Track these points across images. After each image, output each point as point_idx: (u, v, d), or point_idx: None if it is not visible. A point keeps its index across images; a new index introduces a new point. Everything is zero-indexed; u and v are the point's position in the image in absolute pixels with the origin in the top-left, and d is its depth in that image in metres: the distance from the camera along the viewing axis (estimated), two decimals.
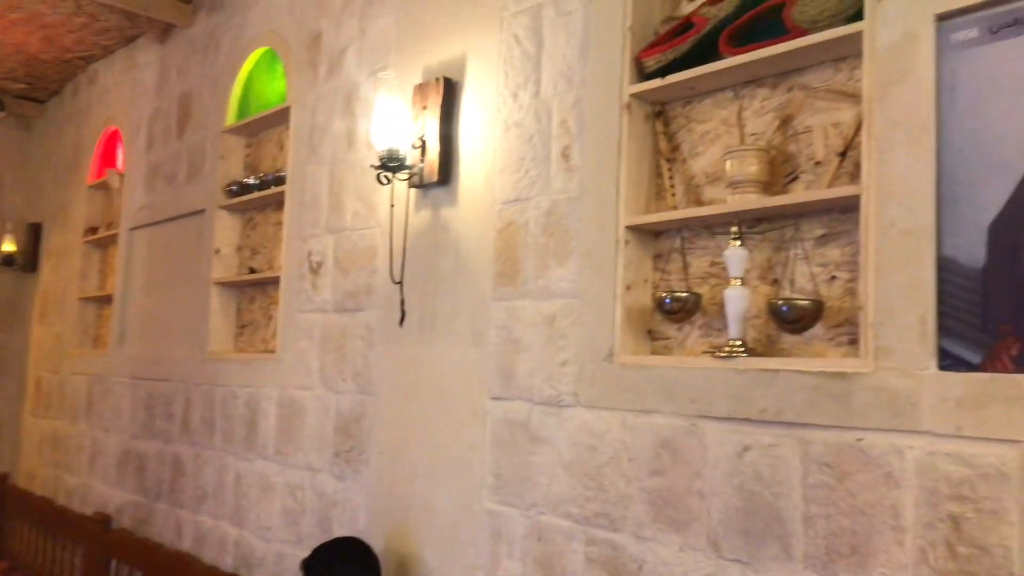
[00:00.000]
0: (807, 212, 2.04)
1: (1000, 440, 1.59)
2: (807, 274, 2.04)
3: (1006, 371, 1.61)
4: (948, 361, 1.69)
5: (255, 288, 4.03)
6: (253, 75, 4.16)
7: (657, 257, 2.39)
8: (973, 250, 1.68)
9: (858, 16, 1.90)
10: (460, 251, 2.81)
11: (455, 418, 2.74)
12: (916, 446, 1.70)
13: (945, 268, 1.71)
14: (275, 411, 3.54)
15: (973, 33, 1.72)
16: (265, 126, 4.02)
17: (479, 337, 2.70)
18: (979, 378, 1.63)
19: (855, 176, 1.92)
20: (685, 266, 2.32)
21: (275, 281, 3.70)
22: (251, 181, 3.92)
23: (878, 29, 1.83)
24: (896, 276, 1.76)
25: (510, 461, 2.55)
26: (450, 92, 2.88)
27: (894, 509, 1.72)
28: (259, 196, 3.87)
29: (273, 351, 3.67)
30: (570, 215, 2.47)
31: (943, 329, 1.70)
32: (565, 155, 2.51)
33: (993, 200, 1.67)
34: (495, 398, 2.62)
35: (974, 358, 1.66)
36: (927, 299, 1.71)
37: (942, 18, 1.75)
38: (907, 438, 1.72)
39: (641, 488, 2.19)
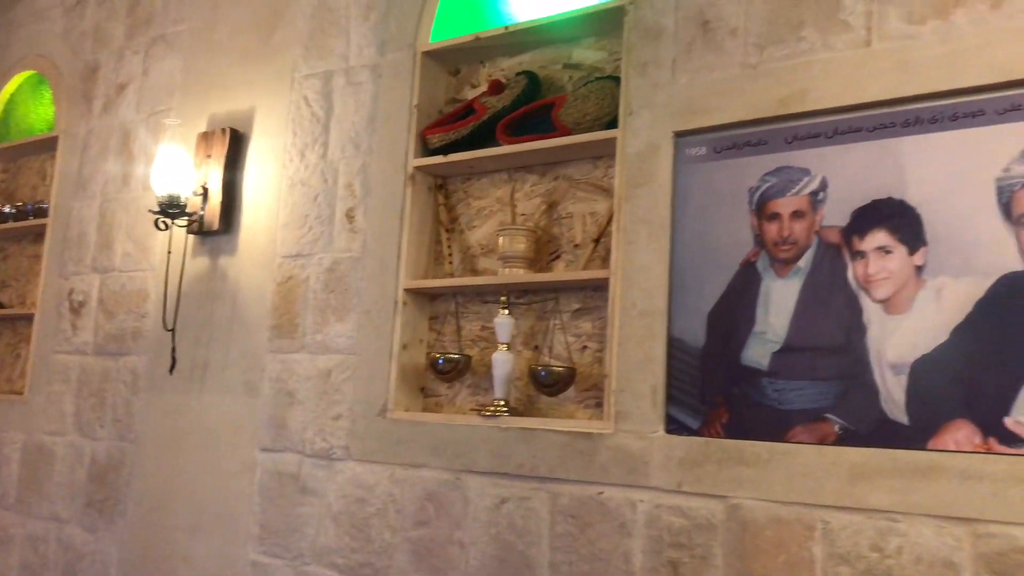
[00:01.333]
0: (566, 288, 2.30)
1: (711, 495, 1.89)
2: (564, 343, 2.29)
3: (718, 436, 1.92)
4: (674, 426, 1.97)
5: (1, 323, 3.75)
6: (15, 98, 3.92)
7: (433, 319, 2.56)
8: (696, 332, 1.99)
9: (615, 123, 2.19)
10: (238, 301, 2.83)
11: (223, 469, 2.73)
12: (646, 499, 1.97)
13: (674, 346, 2.01)
14: (19, 457, 3.31)
15: (702, 151, 2.05)
16: (26, 153, 3.80)
17: (252, 388, 2.72)
18: (697, 441, 1.93)
19: (606, 261, 2.19)
20: (459, 329, 2.50)
21: (28, 318, 3.48)
22: (6, 210, 3.67)
23: (628, 138, 2.13)
24: (635, 350, 2.03)
25: (278, 512, 2.58)
26: (236, 143, 2.92)
27: (626, 556, 1.97)
28: (14, 226, 3.64)
29: (20, 392, 3.43)
30: (351, 274, 2.58)
31: (671, 398, 1.99)
32: (349, 216, 2.63)
33: (712, 291, 1.99)
34: (265, 449, 2.65)
35: (694, 424, 1.96)
36: (659, 372, 2.00)
37: (679, 135, 2.07)
38: (639, 492, 1.98)
39: (406, 538, 2.32)
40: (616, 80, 2.23)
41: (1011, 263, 1.67)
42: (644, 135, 2.11)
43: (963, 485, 1.63)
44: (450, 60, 2.64)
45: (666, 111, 2.09)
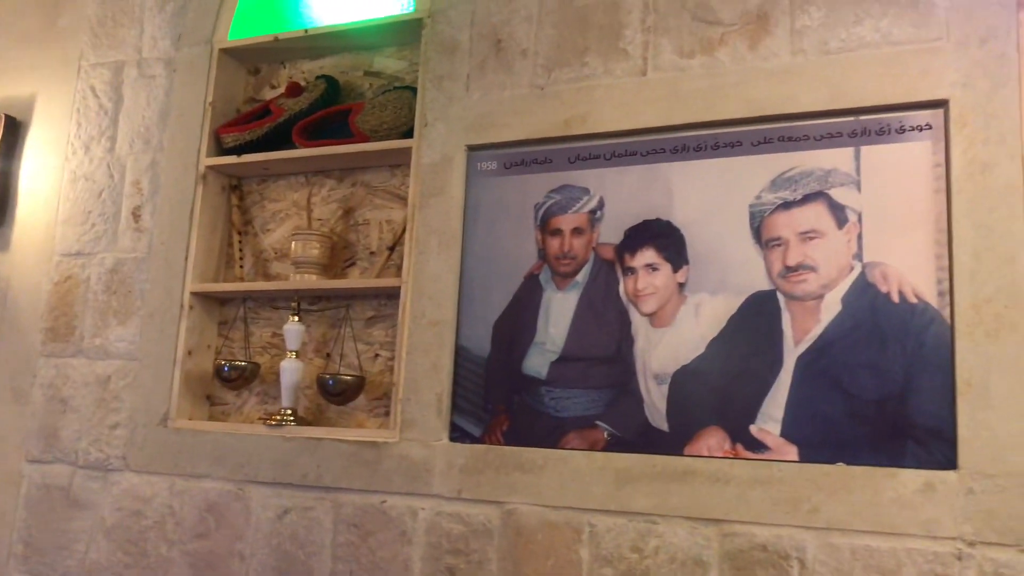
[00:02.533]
0: (359, 296, 2.29)
1: (489, 501, 1.93)
2: (356, 351, 2.28)
3: (498, 443, 1.97)
4: (457, 434, 2.01)
5: None
6: None
7: (222, 324, 2.48)
8: (482, 341, 2.04)
9: (412, 133, 2.21)
10: (8, 300, 2.62)
11: None
12: (427, 507, 1.99)
13: (461, 355, 2.05)
14: None
15: (493, 165, 2.11)
16: None
17: (20, 395, 2.53)
18: (478, 449, 1.97)
19: (401, 269, 2.20)
20: (248, 335, 2.43)
21: None
22: None
23: (423, 148, 2.16)
24: (423, 359, 2.06)
25: (45, 528, 2.41)
26: (13, 130, 2.72)
27: (405, 563, 1.98)
28: None
29: None
30: (136, 275, 2.46)
31: (456, 407, 2.03)
32: (136, 215, 2.50)
33: (499, 302, 2.04)
34: (33, 461, 2.47)
35: (477, 431, 2.00)
36: (445, 381, 2.03)
37: (472, 149, 2.12)
38: (421, 500, 2.00)
39: (184, 551, 2.23)
40: (414, 91, 2.25)
41: (759, 283, 1.82)
42: (438, 147, 2.14)
43: (713, 488, 1.76)
44: (249, 59, 2.57)
45: (460, 124, 2.13)
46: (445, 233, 2.10)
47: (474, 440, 2.00)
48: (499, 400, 2.00)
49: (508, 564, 1.89)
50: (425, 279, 2.10)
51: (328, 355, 2.33)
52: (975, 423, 1.60)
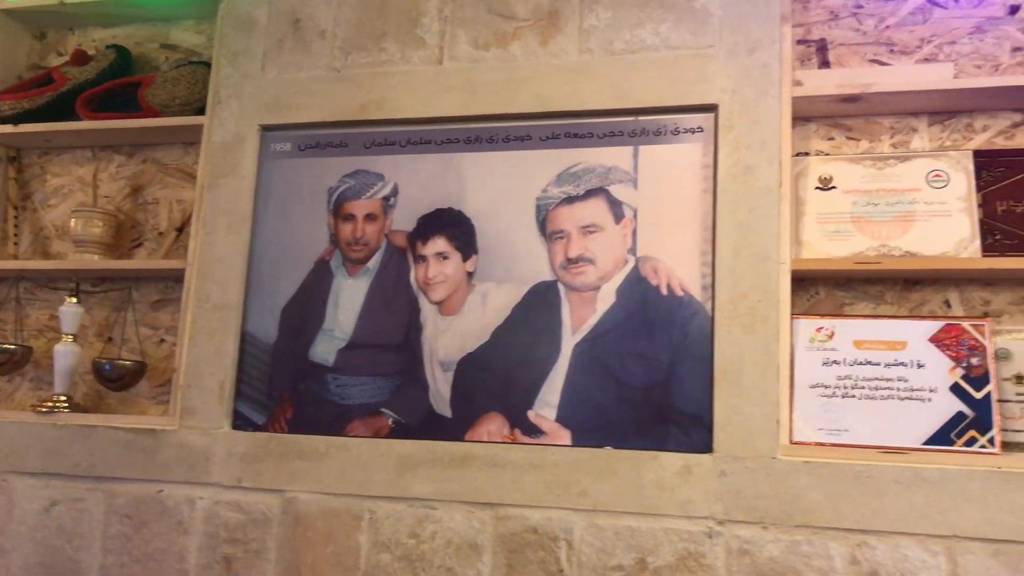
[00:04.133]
0: (145, 278, 2.19)
1: (269, 490, 1.89)
2: (140, 335, 2.17)
3: (282, 431, 1.93)
4: (240, 421, 1.95)
5: None
6: None
7: None
8: (269, 327, 1.99)
9: (206, 109, 2.13)
10: None
11: None
12: (206, 496, 1.92)
13: (247, 341, 1.99)
14: None
15: (287, 147, 2.06)
16: None
17: None
18: (260, 437, 1.92)
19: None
20: (22, 317, 2.27)
21: None
22: None
23: (215, 126, 2.08)
24: (206, 345, 1.98)
25: None
26: None
27: (181, 554, 1.91)
28: None
29: None
30: None
31: (240, 394, 1.97)
32: None
33: (288, 287, 2.00)
34: None
35: (260, 419, 1.95)
36: (228, 367, 1.97)
37: (265, 129, 2.06)
38: (199, 489, 1.93)
39: None
40: (209, 66, 2.16)
41: (543, 273, 1.86)
42: (231, 125, 2.08)
43: (490, 472, 1.79)
44: (34, 22, 2.40)
45: (254, 103, 2.07)
46: (234, 215, 2.04)
47: (257, 428, 1.95)
48: (284, 387, 1.96)
49: (286, 552, 1.86)
50: (211, 262, 2.02)
51: (110, 339, 2.21)
52: (729, 409, 1.70)
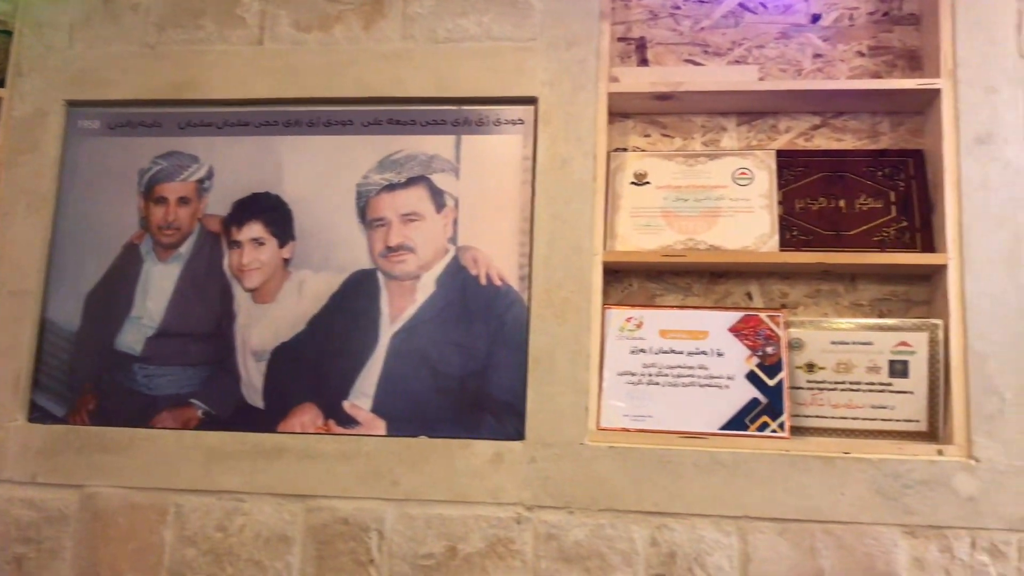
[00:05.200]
0: None
1: (67, 485, 1.79)
2: None
3: (83, 423, 1.83)
4: (37, 414, 1.84)
5: None
6: None
7: None
8: (71, 315, 1.88)
9: (5, 82, 1.99)
10: None
11: None
12: None
13: (47, 330, 1.88)
14: None
15: (96, 124, 1.95)
16: None
17: None
18: (59, 430, 1.82)
19: None
20: None
21: None
22: None
23: (16, 100, 1.95)
24: (1, 333, 1.86)
25: None
26: None
27: None
28: None
29: None
30: None
31: (37, 384, 1.85)
32: None
33: (93, 272, 1.90)
34: None
35: (60, 412, 1.85)
36: (25, 357, 1.85)
37: (72, 104, 1.95)
38: None
39: None
40: (11, 35, 2.02)
41: (362, 261, 1.84)
42: (32, 99, 1.95)
43: (302, 464, 1.75)
44: None
45: (59, 78, 1.95)
46: (35, 195, 1.92)
47: (56, 420, 1.84)
48: (87, 378, 1.86)
49: (84, 551, 1.77)
50: (8, 245, 1.90)
51: None
52: (541, 397, 1.73)
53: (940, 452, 1.64)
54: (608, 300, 1.88)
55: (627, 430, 1.73)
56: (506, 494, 1.71)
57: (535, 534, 1.69)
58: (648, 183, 1.89)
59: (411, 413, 1.77)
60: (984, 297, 1.66)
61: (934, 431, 1.70)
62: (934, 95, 1.77)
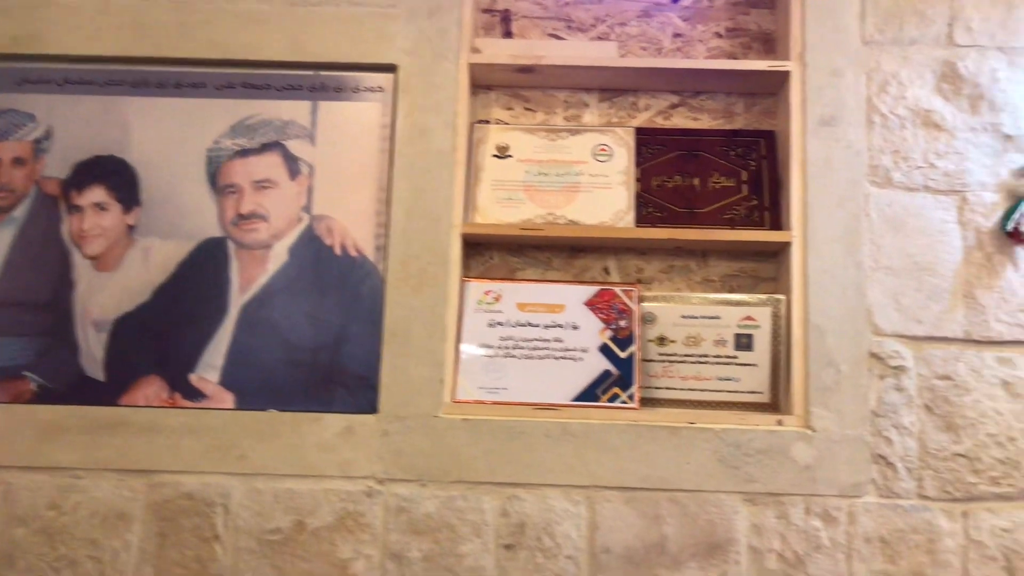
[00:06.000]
0: None
1: None
2: None
3: None
4: None
5: None
6: None
7: None
8: None
9: None
10: None
11: None
12: None
13: None
14: None
15: None
16: None
17: None
18: None
19: None
20: None
21: None
22: None
23: None
24: None
25: None
26: None
27: None
28: None
29: None
30: None
31: None
32: None
33: None
34: None
35: None
36: None
37: None
38: None
39: None
40: None
41: (211, 229, 1.77)
42: None
43: (145, 439, 1.68)
44: None
45: None
46: None
47: None
48: None
49: None
50: None
51: None
52: (395, 369, 1.71)
53: (780, 422, 1.70)
54: (469, 273, 1.87)
55: (482, 402, 1.73)
56: (357, 468, 1.68)
57: (385, 507, 1.67)
58: (510, 156, 1.88)
59: (261, 386, 1.72)
60: (824, 274, 1.73)
61: (776, 402, 1.76)
62: (784, 77, 1.83)
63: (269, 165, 1.80)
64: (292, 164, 1.80)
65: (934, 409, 1.70)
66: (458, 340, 1.77)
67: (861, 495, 1.67)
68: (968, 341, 1.72)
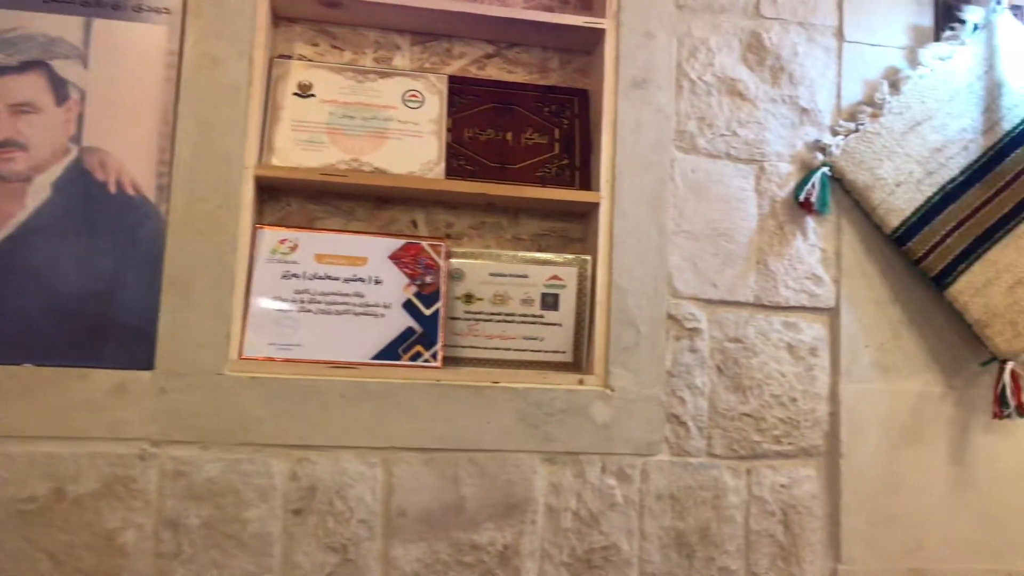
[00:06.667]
0: None
1: None
2: None
3: None
4: None
5: None
6: None
7: None
8: None
9: None
10: None
11: None
12: None
13: None
14: None
15: None
16: None
17: None
18: None
19: None
20: None
21: None
22: None
23: None
24: None
25: None
26: None
27: None
28: None
29: None
30: None
31: None
32: None
33: None
34: None
35: None
36: None
37: None
38: None
39: None
40: None
41: None
42: None
43: None
44: None
45: None
46: None
47: None
48: None
49: None
50: None
51: None
52: (175, 322, 1.56)
53: (581, 382, 1.70)
54: (263, 220, 1.74)
55: (272, 359, 1.62)
56: (129, 428, 1.52)
57: (161, 471, 1.53)
58: (313, 95, 1.75)
59: (15, 337, 1.52)
60: (629, 236, 1.73)
61: (578, 362, 1.75)
62: (599, 35, 1.80)
63: (30, 86, 1.57)
64: (59, 87, 1.58)
65: (724, 370, 1.76)
66: (248, 292, 1.63)
67: (655, 453, 1.71)
68: (758, 306, 1.79)
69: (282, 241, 1.68)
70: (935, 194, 1.80)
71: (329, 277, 1.68)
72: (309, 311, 1.65)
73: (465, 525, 1.63)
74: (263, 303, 1.64)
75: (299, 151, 1.72)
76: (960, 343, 1.85)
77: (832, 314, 1.82)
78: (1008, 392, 1.75)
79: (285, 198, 1.77)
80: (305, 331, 1.64)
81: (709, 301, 1.76)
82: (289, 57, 1.79)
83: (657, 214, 1.75)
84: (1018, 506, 1.86)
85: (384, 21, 1.81)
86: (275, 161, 1.70)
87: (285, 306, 1.65)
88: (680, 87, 1.80)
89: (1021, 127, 1.81)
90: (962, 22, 1.86)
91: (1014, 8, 1.89)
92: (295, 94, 1.74)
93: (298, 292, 1.66)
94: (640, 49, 1.78)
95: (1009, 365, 1.78)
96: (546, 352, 1.75)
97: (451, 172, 1.77)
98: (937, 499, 1.82)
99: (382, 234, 1.75)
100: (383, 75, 1.79)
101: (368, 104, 1.77)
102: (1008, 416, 1.76)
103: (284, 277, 1.66)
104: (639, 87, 1.77)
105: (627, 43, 1.78)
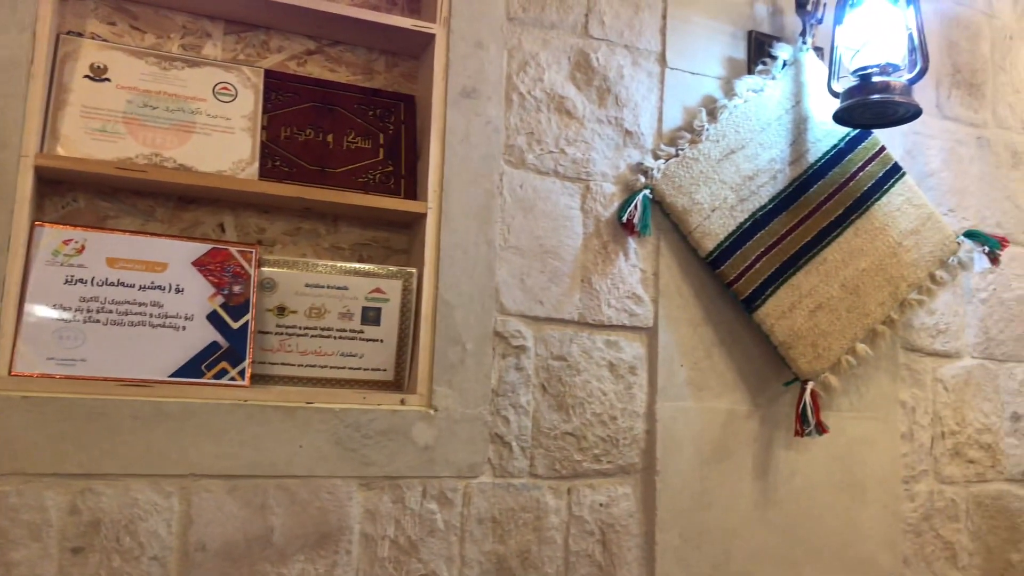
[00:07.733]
0: None
1: None
2: None
3: None
4: None
5: None
6: None
7: None
8: None
9: None
10: None
11: None
12: None
13: None
14: None
15: None
16: None
17: None
18: None
19: None
20: None
21: None
22: None
23: None
24: None
25: None
26: None
27: None
28: None
29: None
30: None
31: None
32: None
33: None
34: None
35: None
36: None
37: None
38: None
39: None
40: None
41: None
42: None
43: None
44: None
45: None
46: None
47: None
48: None
49: None
50: None
51: None
52: None
53: (403, 402, 1.61)
54: (42, 217, 1.52)
55: (50, 376, 1.41)
56: None
57: None
58: (108, 80, 1.56)
59: None
60: (457, 248, 1.67)
61: (400, 380, 1.67)
62: (429, 40, 1.74)
63: None
64: None
65: (548, 389, 1.73)
66: (22, 299, 1.42)
67: (477, 476, 1.65)
68: (582, 324, 1.78)
69: (66, 241, 1.47)
70: (746, 220, 1.88)
71: (122, 284, 1.49)
72: (97, 322, 1.46)
73: (273, 558, 1.49)
74: (40, 311, 1.43)
75: (90, 140, 1.52)
76: (766, 364, 1.94)
77: (650, 333, 1.84)
78: (809, 411, 1.85)
79: (71, 193, 1.56)
80: (92, 345, 1.44)
81: (536, 318, 1.73)
82: (80, 35, 1.58)
83: (485, 228, 1.70)
84: (813, 517, 1.96)
85: (194, 5, 1.65)
86: (60, 150, 1.49)
87: (68, 315, 1.44)
88: (510, 100, 1.77)
89: (824, 159, 1.92)
90: (773, 57, 1.96)
91: (817, 50, 2.01)
92: (87, 76, 1.54)
93: (84, 300, 1.46)
94: (470, 58, 1.73)
95: (810, 385, 1.88)
96: (366, 370, 1.65)
97: (265, 173, 1.63)
98: (744, 513, 1.88)
99: (185, 238, 1.58)
100: (191, 64, 1.63)
101: (173, 95, 1.60)
102: (809, 434, 1.86)
103: (68, 283, 1.45)
104: (468, 97, 1.72)
105: (457, 51, 1.73)
